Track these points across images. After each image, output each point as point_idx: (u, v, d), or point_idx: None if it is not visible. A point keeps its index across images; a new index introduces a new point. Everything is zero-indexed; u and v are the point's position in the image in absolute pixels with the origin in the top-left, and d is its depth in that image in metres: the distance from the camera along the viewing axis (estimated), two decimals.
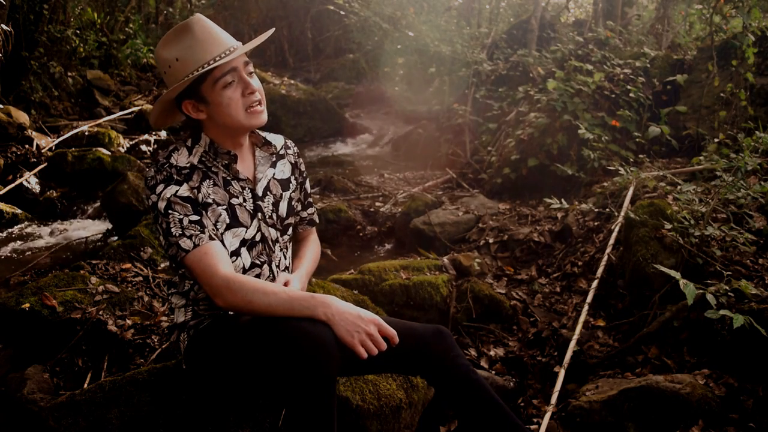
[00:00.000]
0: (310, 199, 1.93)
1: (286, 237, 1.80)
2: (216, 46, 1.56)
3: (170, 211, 1.54)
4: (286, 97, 8.56)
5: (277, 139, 1.83)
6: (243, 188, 1.68)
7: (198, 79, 1.55)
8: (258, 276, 1.68)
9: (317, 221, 1.98)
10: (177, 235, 1.53)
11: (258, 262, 1.68)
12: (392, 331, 1.47)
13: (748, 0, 4.26)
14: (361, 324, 1.42)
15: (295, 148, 1.89)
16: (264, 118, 1.63)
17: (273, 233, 1.73)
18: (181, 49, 1.55)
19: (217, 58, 1.54)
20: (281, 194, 1.78)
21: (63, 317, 2.33)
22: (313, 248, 1.93)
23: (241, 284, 1.47)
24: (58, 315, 2.33)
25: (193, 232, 1.53)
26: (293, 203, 1.82)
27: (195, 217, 1.55)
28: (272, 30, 1.70)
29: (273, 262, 1.73)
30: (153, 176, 1.57)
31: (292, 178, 1.83)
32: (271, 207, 1.73)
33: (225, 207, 1.63)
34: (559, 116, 4.81)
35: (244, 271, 1.65)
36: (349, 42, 12.46)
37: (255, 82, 1.60)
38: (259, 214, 1.69)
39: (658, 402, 2.05)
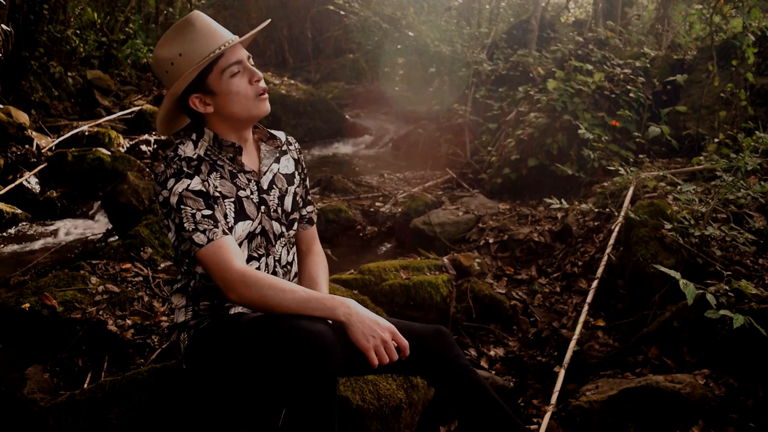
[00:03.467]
0: (309, 197, 1.93)
1: (291, 233, 1.79)
2: (218, 38, 1.58)
3: (182, 206, 1.53)
4: (286, 97, 8.56)
5: (279, 135, 1.83)
6: (249, 180, 1.68)
7: (204, 71, 1.56)
8: (257, 269, 1.68)
9: (315, 220, 1.98)
10: (190, 230, 1.52)
11: (256, 255, 1.68)
12: (405, 342, 1.47)
13: (748, 0, 4.26)
14: (377, 330, 1.42)
15: (297, 145, 1.90)
16: (268, 106, 1.65)
17: (277, 227, 1.73)
18: (184, 43, 1.56)
19: (222, 47, 1.55)
20: (286, 188, 1.78)
21: (63, 317, 2.33)
22: (324, 266, 1.92)
23: (257, 279, 1.47)
24: (58, 315, 2.33)
25: (206, 226, 1.52)
26: (297, 198, 1.83)
27: (207, 212, 1.54)
28: (269, 21, 1.71)
29: (272, 256, 1.72)
30: (163, 171, 1.56)
31: (296, 173, 1.84)
32: (276, 201, 1.73)
33: (233, 200, 1.63)
34: (559, 116, 4.81)
35: None
36: (349, 42, 12.45)
37: (259, 72, 1.63)
38: (263, 207, 1.69)
39: (658, 402, 2.05)
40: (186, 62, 1.55)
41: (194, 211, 1.53)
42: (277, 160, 1.78)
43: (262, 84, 1.61)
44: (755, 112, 4.21)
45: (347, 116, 9.19)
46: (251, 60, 1.64)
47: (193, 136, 1.65)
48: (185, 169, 1.56)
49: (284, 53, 13.75)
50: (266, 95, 1.63)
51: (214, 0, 12.83)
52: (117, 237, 4.21)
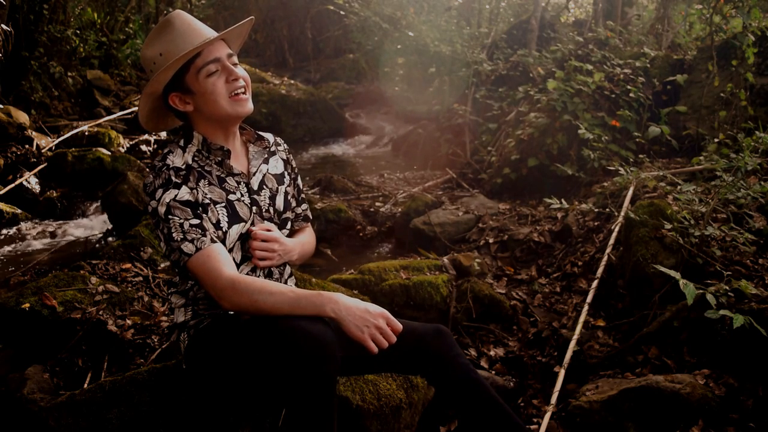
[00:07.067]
0: (303, 196, 1.95)
1: (284, 232, 1.80)
2: (196, 36, 1.58)
3: (170, 216, 1.54)
4: (286, 97, 8.56)
5: (267, 137, 1.84)
6: (238, 183, 1.68)
7: (182, 69, 1.57)
8: (253, 270, 1.69)
9: (311, 217, 1.99)
10: (179, 239, 1.53)
11: (250, 255, 1.68)
12: (399, 326, 1.48)
13: (748, 0, 4.26)
14: (369, 318, 1.43)
15: (285, 145, 1.91)
16: (250, 106, 1.64)
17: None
18: (164, 43, 1.57)
19: (201, 46, 1.56)
20: (277, 188, 1.78)
21: (63, 317, 2.33)
22: (308, 233, 1.95)
23: (247, 285, 1.48)
24: (58, 315, 2.33)
25: (194, 236, 1.53)
26: (289, 197, 1.83)
27: (195, 221, 1.55)
28: (251, 18, 1.72)
29: None
30: (151, 182, 1.57)
31: (286, 173, 1.85)
32: (268, 201, 1.74)
33: (224, 204, 1.63)
34: (559, 116, 4.81)
35: (237, 265, 1.65)
36: (349, 42, 12.44)
37: (239, 71, 1.62)
38: (255, 208, 1.70)
39: (658, 402, 2.05)
40: (165, 62, 1.56)
41: (182, 220, 1.54)
42: (266, 161, 1.79)
43: (240, 83, 1.61)
44: (755, 112, 4.21)
45: (347, 116, 9.18)
46: (234, 58, 1.64)
47: (181, 142, 1.65)
48: (173, 178, 1.57)
49: (284, 53, 13.74)
50: (245, 94, 1.62)
51: (214, 0, 12.82)
52: (117, 237, 4.21)
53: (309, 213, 1.98)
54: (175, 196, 1.56)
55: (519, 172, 5.02)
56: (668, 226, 2.70)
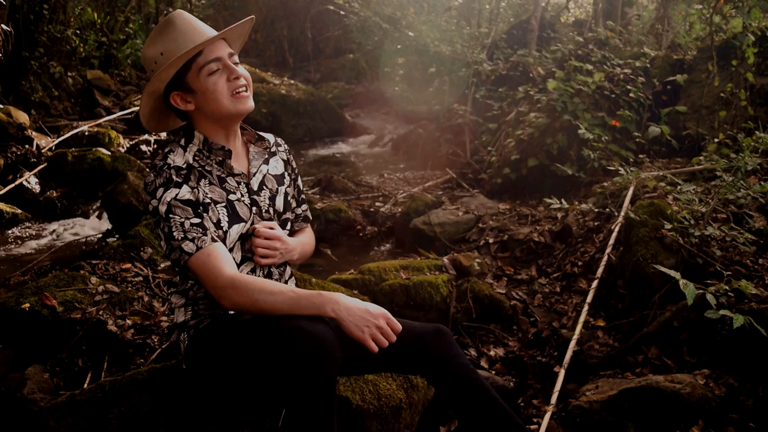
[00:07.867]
0: (303, 196, 1.95)
1: (284, 233, 1.80)
2: (198, 35, 1.58)
3: (171, 215, 1.54)
4: (286, 97, 8.55)
5: (268, 137, 1.84)
6: (239, 183, 1.68)
7: (183, 68, 1.58)
8: (252, 270, 1.69)
9: (311, 218, 1.99)
10: (179, 238, 1.53)
11: (250, 255, 1.69)
12: (398, 326, 1.49)
13: (748, 0, 4.26)
14: (370, 318, 1.43)
15: (286, 146, 1.91)
16: (251, 104, 1.65)
17: None
18: (165, 42, 1.58)
19: (201, 45, 1.56)
20: (277, 189, 1.79)
21: (63, 317, 2.33)
22: (308, 233, 1.96)
23: (247, 284, 1.48)
24: (58, 315, 2.33)
25: (195, 234, 1.53)
26: (289, 198, 1.84)
27: (196, 220, 1.55)
28: (251, 17, 1.72)
29: None
30: (152, 180, 1.57)
31: (286, 173, 1.85)
32: (267, 201, 1.74)
33: (224, 204, 1.63)
34: (559, 116, 4.81)
35: (237, 265, 1.65)
36: (349, 42, 12.45)
37: (240, 69, 1.62)
38: (254, 208, 1.70)
39: (658, 402, 2.05)
40: (166, 60, 1.56)
41: (183, 219, 1.54)
42: (266, 162, 1.79)
43: (241, 81, 1.61)
44: (755, 112, 4.21)
45: (347, 116, 9.18)
46: (235, 57, 1.65)
47: (182, 142, 1.66)
48: (174, 177, 1.57)
49: (284, 53, 13.74)
50: (246, 93, 1.63)
51: (214, 0, 12.81)
52: (117, 237, 4.21)
53: (309, 214, 1.98)
54: (176, 195, 1.56)
55: (519, 172, 5.02)
56: (668, 226, 2.70)
